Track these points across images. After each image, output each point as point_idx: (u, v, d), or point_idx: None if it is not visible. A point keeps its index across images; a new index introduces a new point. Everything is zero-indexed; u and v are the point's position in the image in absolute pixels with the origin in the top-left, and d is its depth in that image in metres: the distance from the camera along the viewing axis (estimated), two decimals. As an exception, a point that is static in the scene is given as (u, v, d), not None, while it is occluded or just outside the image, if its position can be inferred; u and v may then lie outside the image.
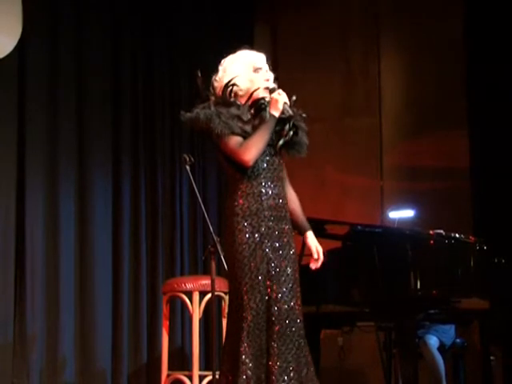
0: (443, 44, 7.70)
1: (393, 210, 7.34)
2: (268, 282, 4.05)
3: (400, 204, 7.35)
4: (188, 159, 4.78)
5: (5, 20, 6.12)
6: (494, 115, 7.39)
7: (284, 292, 4.04)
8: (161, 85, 7.05)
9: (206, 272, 5.67)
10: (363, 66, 7.74)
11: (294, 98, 4.18)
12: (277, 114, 4.05)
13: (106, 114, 6.68)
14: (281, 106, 4.04)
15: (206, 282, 5.18)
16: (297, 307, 4.05)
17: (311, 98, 7.30)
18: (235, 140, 4.04)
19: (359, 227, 5.79)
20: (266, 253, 4.07)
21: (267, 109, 4.07)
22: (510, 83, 7.31)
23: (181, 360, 6.51)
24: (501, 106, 7.36)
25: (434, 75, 7.63)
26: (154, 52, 7.03)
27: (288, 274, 4.07)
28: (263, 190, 4.11)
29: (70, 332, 6.23)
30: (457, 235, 5.80)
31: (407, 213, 7.25)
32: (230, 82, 4.10)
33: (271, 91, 4.09)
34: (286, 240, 4.12)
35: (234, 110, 4.08)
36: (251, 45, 7.41)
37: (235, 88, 4.11)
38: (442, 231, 5.75)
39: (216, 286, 4.76)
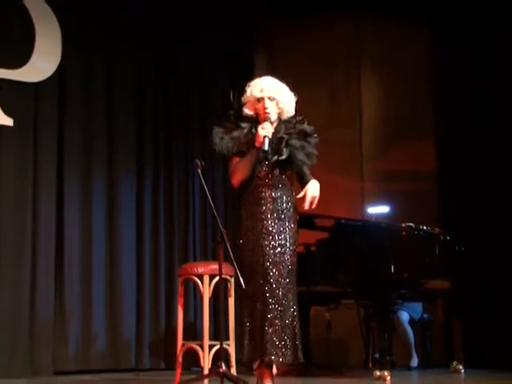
0: (415, 68, 7.72)
1: (371, 206, 7.38)
2: (265, 274, 4.07)
3: (377, 201, 7.37)
4: (200, 164, 4.80)
5: (46, 47, 6.14)
6: (456, 128, 7.43)
7: (278, 283, 4.06)
8: (177, 104, 7.00)
9: (214, 258, 5.68)
10: (346, 86, 7.69)
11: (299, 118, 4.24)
12: (258, 144, 4.04)
13: (132, 125, 6.69)
14: (261, 139, 4.02)
15: (214, 266, 5.08)
16: (291, 297, 4.07)
17: (302, 112, 7.31)
18: (232, 161, 4.14)
19: (343, 221, 5.82)
20: (266, 252, 4.10)
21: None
22: (470, 102, 7.35)
23: (193, 332, 6.49)
24: (462, 121, 7.40)
25: (406, 95, 7.62)
26: (170, 78, 6.95)
27: (284, 268, 4.08)
28: (263, 195, 4.15)
29: (101, 309, 6.28)
30: (425, 227, 5.85)
31: (383, 209, 7.26)
32: (241, 107, 4.21)
33: (264, 120, 4.11)
34: (285, 241, 4.11)
35: (236, 133, 4.16)
36: (252, 68, 7.50)
37: (244, 113, 4.21)
38: (412, 224, 5.79)
39: (223, 271, 4.79)
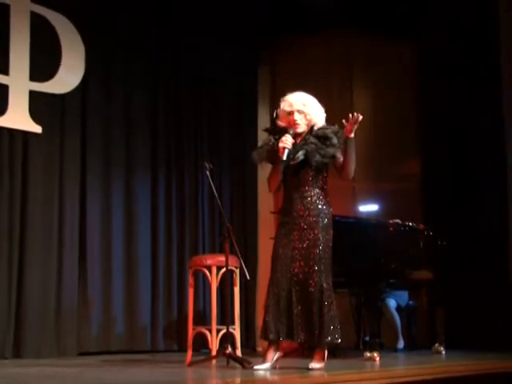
0: (401, 80, 7.76)
1: (362, 205, 7.41)
2: (293, 264, 4.16)
3: (368, 200, 7.41)
4: (208, 166, 4.84)
5: (71, 62, 6.19)
6: (438, 135, 7.48)
7: (304, 273, 4.15)
8: (187, 113, 7.03)
9: (221, 251, 5.70)
10: (340, 97, 7.66)
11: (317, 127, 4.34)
12: (280, 155, 4.17)
13: (147, 132, 6.71)
14: (281, 150, 4.14)
15: (221, 259, 5.07)
16: (312, 288, 4.13)
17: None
18: (269, 169, 4.28)
19: (337, 218, 5.79)
20: (294, 245, 4.20)
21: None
22: (450, 113, 7.40)
23: (203, 317, 6.53)
24: (443, 129, 7.45)
25: (393, 104, 7.66)
26: (181, 92, 7.00)
27: (312, 259, 4.15)
28: (293, 196, 4.26)
29: (119, 296, 6.32)
30: (410, 223, 5.86)
31: (373, 207, 7.32)
32: (274, 120, 4.36)
33: (285, 133, 4.22)
34: (312, 234, 4.19)
35: (266, 146, 4.30)
36: (255, 81, 7.53)
37: (278, 126, 4.33)
38: (399, 220, 5.82)
39: (229, 263, 4.89)
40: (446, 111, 7.42)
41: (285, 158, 4.15)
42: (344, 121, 4.20)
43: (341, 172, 4.31)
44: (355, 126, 4.18)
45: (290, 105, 4.29)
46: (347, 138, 4.21)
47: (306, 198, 4.23)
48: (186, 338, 5.59)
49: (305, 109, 4.29)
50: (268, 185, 4.34)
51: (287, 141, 4.17)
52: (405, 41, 7.75)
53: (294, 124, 4.27)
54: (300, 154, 4.21)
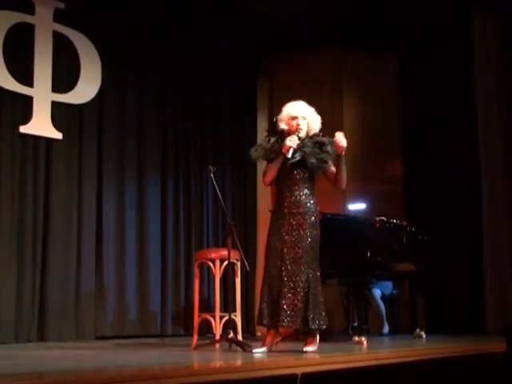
0: (387, 92, 7.76)
1: (351, 203, 7.42)
2: (283, 256, 4.19)
3: (356, 199, 7.41)
4: (212, 169, 4.87)
5: (89, 75, 6.22)
6: (419, 142, 7.51)
7: (292, 264, 4.17)
8: (193, 123, 7.04)
9: (224, 246, 5.71)
10: (331, 107, 7.59)
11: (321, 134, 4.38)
12: (284, 152, 4.21)
13: (157, 137, 6.72)
14: (287, 148, 4.19)
15: (224, 252, 5.05)
16: (299, 278, 4.15)
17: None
18: (265, 166, 4.32)
19: (329, 215, 5.83)
20: (284, 239, 4.22)
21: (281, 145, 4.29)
22: (428, 125, 7.44)
23: (207, 305, 6.48)
24: (423, 136, 7.48)
25: (379, 114, 7.66)
26: (188, 101, 7.01)
27: (299, 252, 4.18)
28: (285, 194, 4.28)
29: (132, 286, 6.34)
30: (394, 220, 5.86)
31: (361, 205, 7.32)
32: (275, 123, 4.37)
33: (293, 134, 4.26)
34: (300, 230, 4.21)
35: (265, 144, 4.34)
36: (255, 91, 7.53)
37: (278, 128, 4.36)
38: (384, 218, 5.82)
39: (231, 256, 4.91)
40: (426, 119, 7.44)
41: (289, 155, 4.19)
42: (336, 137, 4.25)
43: (334, 182, 4.37)
44: (344, 144, 4.24)
45: (296, 111, 4.32)
46: (339, 155, 4.27)
47: (296, 196, 4.26)
48: (192, 323, 5.61)
49: (308, 116, 4.35)
50: (263, 178, 4.35)
51: (294, 141, 4.22)
52: (389, 55, 7.75)
53: (297, 128, 4.29)
54: (297, 155, 4.25)
